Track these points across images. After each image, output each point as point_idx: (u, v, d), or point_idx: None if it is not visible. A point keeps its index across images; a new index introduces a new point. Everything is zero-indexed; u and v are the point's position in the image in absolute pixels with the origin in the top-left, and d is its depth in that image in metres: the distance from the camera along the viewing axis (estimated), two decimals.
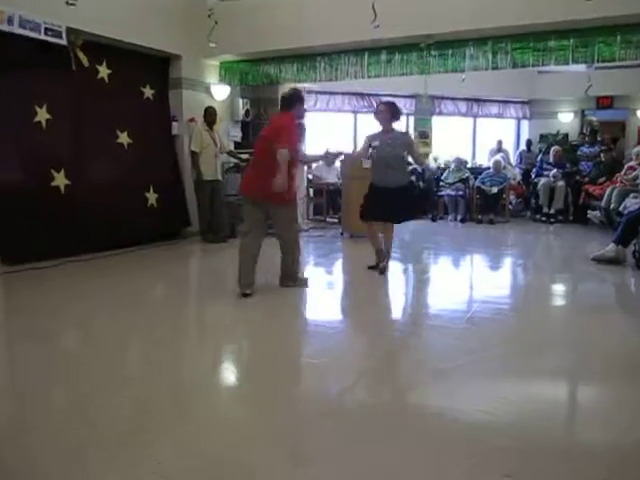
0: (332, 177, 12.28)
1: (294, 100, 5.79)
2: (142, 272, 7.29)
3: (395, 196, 6.60)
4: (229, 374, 4.04)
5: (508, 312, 5.39)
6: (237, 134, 11.09)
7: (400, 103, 12.04)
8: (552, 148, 12.99)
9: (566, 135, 15.42)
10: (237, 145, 10.89)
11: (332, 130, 13.45)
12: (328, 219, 12.27)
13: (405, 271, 7.34)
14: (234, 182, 9.77)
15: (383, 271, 6.77)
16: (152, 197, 9.37)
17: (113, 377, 3.82)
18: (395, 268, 7.23)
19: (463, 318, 5.10)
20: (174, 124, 9.82)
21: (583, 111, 15.72)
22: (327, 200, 12.40)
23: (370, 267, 6.95)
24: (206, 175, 9.19)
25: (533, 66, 8.88)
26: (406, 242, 9.58)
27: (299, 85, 10.01)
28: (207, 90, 10.29)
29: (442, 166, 13.59)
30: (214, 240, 9.28)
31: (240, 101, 10.97)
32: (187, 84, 9.85)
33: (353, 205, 8.13)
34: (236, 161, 10.10)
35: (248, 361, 4.27)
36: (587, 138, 13.69)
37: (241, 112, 10.98)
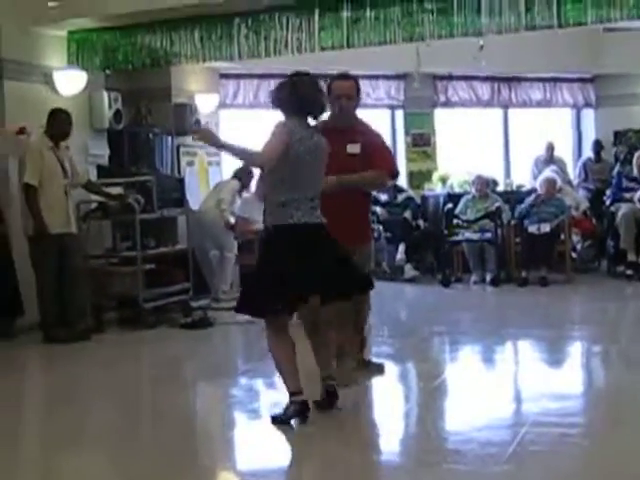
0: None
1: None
2: None
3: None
4: None
5: (580, 440, 4.55)
6: (102, 152, 9.54)
7: (378, 90, 11.13)
8: (637, 153, 11.17)
9: None
10: (102, 171, 9.36)
11: (261, 136, 12.18)
12: None
13: (403, 375, 6.75)
14: (99, 235, 8.82)
15: (329, 403, 5.30)
16: None
17: None
18: (387, 370, 6.42)
19: (502, 454, 4.15)
20: None
21: None
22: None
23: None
24: (52, 226, 7.87)
25: (595, 22, 7.53)
26: (402, 324, 8.78)
27: (208, 65, 9.47)
28: (47, 80, 8.83)
29: (455, 192, 11.51)
30: (68, 338, 7.81)
31: (105, 97, 9.46)
32: (11, 71, 8.47)
33: None
34: (101, 199, 8.67)
35: None
36: None
37: (107, 115, 9.47)
